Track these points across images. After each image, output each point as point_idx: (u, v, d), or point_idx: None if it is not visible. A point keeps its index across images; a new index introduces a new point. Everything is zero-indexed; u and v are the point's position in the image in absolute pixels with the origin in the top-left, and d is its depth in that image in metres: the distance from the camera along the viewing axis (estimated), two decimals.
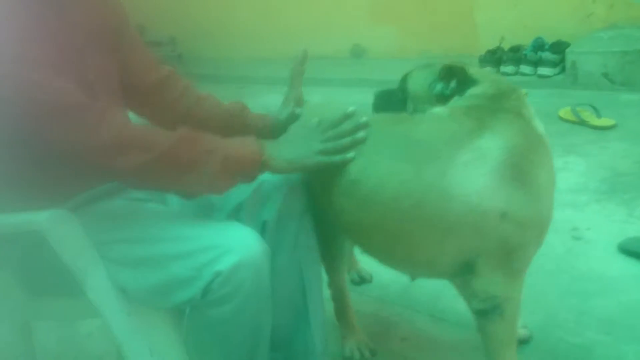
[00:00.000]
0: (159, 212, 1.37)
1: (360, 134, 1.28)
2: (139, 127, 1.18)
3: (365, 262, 1.99)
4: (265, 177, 1.36)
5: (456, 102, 1.34)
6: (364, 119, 1.31)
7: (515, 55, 3.76)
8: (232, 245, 1.18)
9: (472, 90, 1.33)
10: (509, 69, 3.75)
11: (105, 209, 1.30)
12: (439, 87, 1.40)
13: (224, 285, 1.16)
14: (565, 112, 3.09)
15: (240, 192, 1.37)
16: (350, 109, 1.32)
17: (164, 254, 1.21)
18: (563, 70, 3.59)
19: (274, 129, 1.53)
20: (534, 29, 3.80)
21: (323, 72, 4.33)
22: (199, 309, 1.22)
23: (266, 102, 4.05)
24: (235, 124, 1.54)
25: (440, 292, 1.83)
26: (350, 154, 1.28)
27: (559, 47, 3.62)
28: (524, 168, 1.17)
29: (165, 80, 1.51)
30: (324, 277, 1.57)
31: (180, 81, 1.54)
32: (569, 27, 3.74)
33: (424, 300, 1.85)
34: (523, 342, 1.60)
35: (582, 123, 2.98)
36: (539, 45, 3.71)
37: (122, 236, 1.24)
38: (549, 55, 3.62)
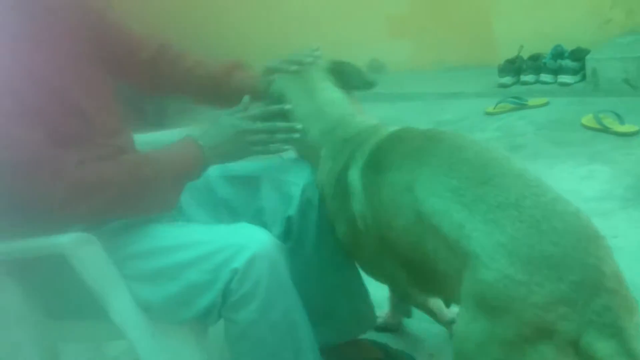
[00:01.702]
0: (170, 222, 1.38)
1: (296, 135, 1.37)
2: (88, 171, 1.19)
3: None
4: (280, 176, 1.44)
5: None
6: (299, 125, 1.38)
7: (535, 64, 3.73)
8: (244, 243, 1.20)
9: None
10: (529, 77, 3.72)
11: (118, 226, 1.31)
12: None
13: (242, 283, 1.17)
14: (588, 119, 3.05)
15: (261, 195, 1.43)
16: (288, 105, 1.39)
17: (179, 262, 1.22)
18: (584, 77, 3.54)
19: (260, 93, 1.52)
20: (552, 37, 3.77)
21: None
22: (229, 320, 1.22)
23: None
24: (223, 87, 1.55)
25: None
26: (287, 147, 1.39)
27: (579, 54, 3.58)
28: None
29: (157, 55, 1.53)
30: None
31: (171, 51, 1.56)
32: (588, 34, 3.70)
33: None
34: None
35: (605, 130, 2.93)
36: (558, 53, 3.67)
37: (134, 251, 1.25)
38: (569, 62, 3.58)
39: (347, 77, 1.50)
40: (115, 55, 1.44)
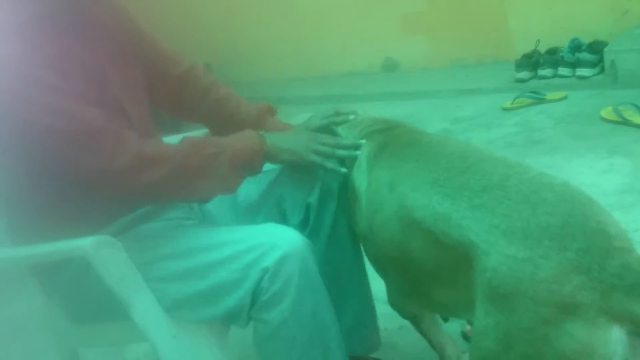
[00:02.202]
0: (197, 225, 1.40)
1: (357, 152, 1.37)
2: (151, 145, 1.23)
3: None
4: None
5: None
6: (363, 141, 1.38)
7: (553, 58, 3.69)
8: (275, 242, 1.20)
9: None
10: (546, 72, 3.68)
11: (145, 230, 1.33)
12: None
13: (273, 282, 1.18)
14: (607, 112, 3.01)
15: (280, 182, 1.45)
16: (362, 141, 1.39)
17: (209, 262, 1.23)
18: (602, 70, 3.50)
19: None
20: (569, 30, 3.73)
21: (356, 88, 4.32)
22: (259, 320, 1.22)
23: (300, 120, 4.09)
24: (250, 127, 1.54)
25: None
26: (343, 169, 1.37)
27: (597, 47, 3.54)
28: None
29: (187, 75, 1.53)
30: None
31: (202, 77, 1.56)
32: (605, 26, 3.66)
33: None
34: None
35: (625, 122, 2.89)
36: (576, 46, 3.63)
37: (165, 253, 1.26)
38: (587, 55, 3.54)
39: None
40: (145, 65, 1.44)
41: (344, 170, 1.37)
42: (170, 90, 1.52)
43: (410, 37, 4.48)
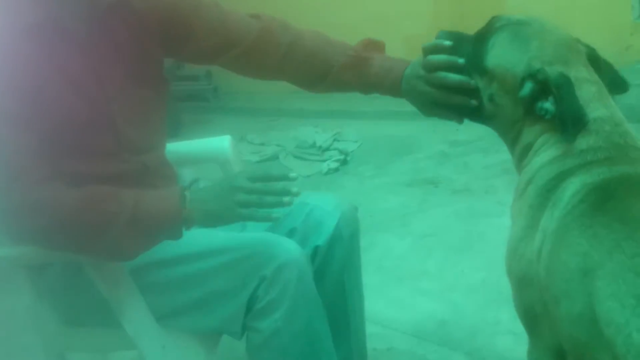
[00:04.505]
0: (192, 231, 1.34)
1: (287, 199, 1.15)
2: (50, 189, 1.11)
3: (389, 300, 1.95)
4: (317, 202, 1.39)
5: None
6: (295, 189, 1.16)
7: None
8: (273, 251, 1.20)
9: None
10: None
11: None
12: (527, 90, 1.09)
13: (269, 290, 1.17)
14: None
15: (293, 218, 1.38)
16: (293, 174, 1.19)
17: (206, 269, 1.22)
18: None
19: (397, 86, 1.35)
20: None
21: (355, 105, 4.34)
22: (252, 329, 1.21)
23: (298, 134, 4.10)
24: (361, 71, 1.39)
25: (477, 329, 1.78)
26: (275, 213, 1.15)
27: None
28: None
29: (258, 41, 1.38)
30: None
31: (280, 36, 1.39)
32: (608, 60, 3.70)
33: (460, 337, 1.81)
34: None
35: None
36: None
37: (158, 258, 1.24)
38: None
39: (601, 71, 1.19)
40: (200, 54, 1.38)
41: (276, 215, 1.16)
42: (248, 60, 1.40)
43: (411, 58, 4.51)
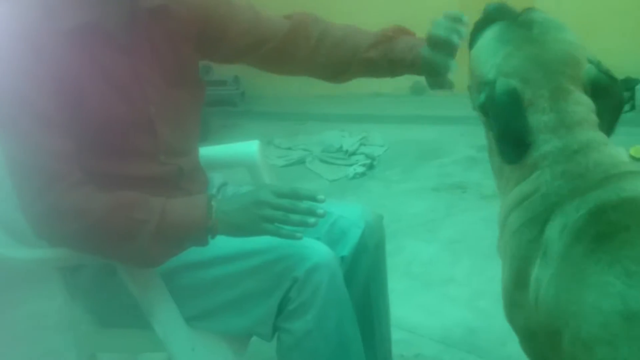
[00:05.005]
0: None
1: (312, 220, 1.14)
2: (82, 194, 1.12)
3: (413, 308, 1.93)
4: (341, 212, 1.39)
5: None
6: (320, 211, 1.15)
7: None
8: (305, 253, 1.21)
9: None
10: None
11: None
12: (482, 99, 1.03)
13: (301, 292, 1.19)
14: (636, 150, 2.99)
15: (317, 227, 1.34)
16: (320, 196, 1.17)
17: (239, 271, 1.23)
18: (633, 107, 3.47)
19: (421, 65, 1.35)
20: None
21: (382, 109, 4.33)
22: (283, 330, 1.22)
23: (325, 138, 4.10)
24: (379, 59, 1.40)
25: (507, 337, 1.75)
26: (299, 235, 1.15)
27: (629, 84, 3.51)
28: None
29: (288, 37, 1.41)
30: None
31: (312, 30, 1.42)
32: (638, 63, 3.63)
33: (489, 345, 1.79)
34: None
35: None
36: None
37: (191, 261, 1.25)
38: None
39: (603, 94, 1.09)
40: (233, 54, 1.41)
41: (299, 235, 1.15)
42: (279, 54, 1.42)
43: None
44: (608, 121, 1.07)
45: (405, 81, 4.72)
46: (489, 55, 1.06)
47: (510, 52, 1.04)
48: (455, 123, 3.90)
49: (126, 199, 1.14)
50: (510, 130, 0.99)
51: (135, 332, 1.31)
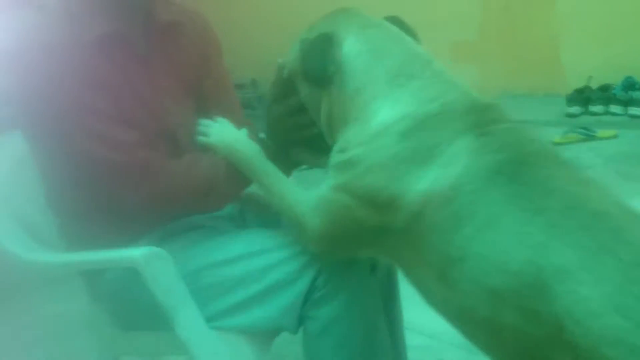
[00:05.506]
0: (242, 231, 1.39)
1: None
2: (177, 175, 1.25)
3: None
4: None
5: None
6: None
7: (604, 95, 3.63)
8: None
9: None
10: (598, 108, 3.62)
11: (187, 239, 1.33)
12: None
13: (328, 280, 1.18)
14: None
15: None
16: None
17: (265, 265, 1.22)
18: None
19: None
20: (623, 68, 3.67)
21: None
22: (310, 318, 1.22)
23: None
24: None
25: None
26: None
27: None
28: None
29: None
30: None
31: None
32: None
33: None
34: None
35: None
36: (629, 85, 3.57)
37: (212, 260, 1.26)
38: None
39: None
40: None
41: None
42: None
43: (458, 65, 4.46)
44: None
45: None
46: (296, 43, 1.18)
47: (310, 27, 1.17)
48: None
49: (191, 158, 1.27)
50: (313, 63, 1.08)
51: (158, 335, 1.31)
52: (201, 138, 1.29)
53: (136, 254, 1.19)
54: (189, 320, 1.23)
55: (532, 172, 0.89)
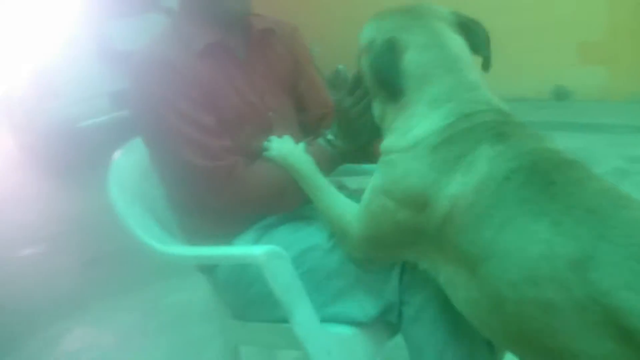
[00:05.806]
0: None
1: None
2: (255, 179, 1.35)
3: None
4: None
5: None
6: None
7: None
8: None
9: None
10: None
11: (287, 228, 1.40)
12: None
13: (418, 263, 1.19)
14: None
15: None
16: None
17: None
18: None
19: None
20: None
21: (523, 114, 4.16)
22: (405, 304, 1.25)
23: None
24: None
25: None
26: None
27: None
28: None
29: (318, 121, 1.59)
30: None
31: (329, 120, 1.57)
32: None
33: None
34: None
35: None
36: None
37: (316, 243, 1.33)
38: None
39: (473, 37, 1.22)
40: (300, 102, 1.58)
41: None
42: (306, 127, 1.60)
43: (585, 66, 4.24)
44: (484, 57, 1.23)
45: (546, 85, 4.52)
46: (368, 29, 1.22)
47: (383, 18, 1.21)
48: (602, 131, 3.67)
49: (263, 165, 1.37)
50: (385, 70, 1.14)
51: (274, 328, 1.37)
52: (265, 152, 1.39)
53: (258, 252, 1.24)
54: (305, 318, 1.27)
55: (540, 179, 0.99)
